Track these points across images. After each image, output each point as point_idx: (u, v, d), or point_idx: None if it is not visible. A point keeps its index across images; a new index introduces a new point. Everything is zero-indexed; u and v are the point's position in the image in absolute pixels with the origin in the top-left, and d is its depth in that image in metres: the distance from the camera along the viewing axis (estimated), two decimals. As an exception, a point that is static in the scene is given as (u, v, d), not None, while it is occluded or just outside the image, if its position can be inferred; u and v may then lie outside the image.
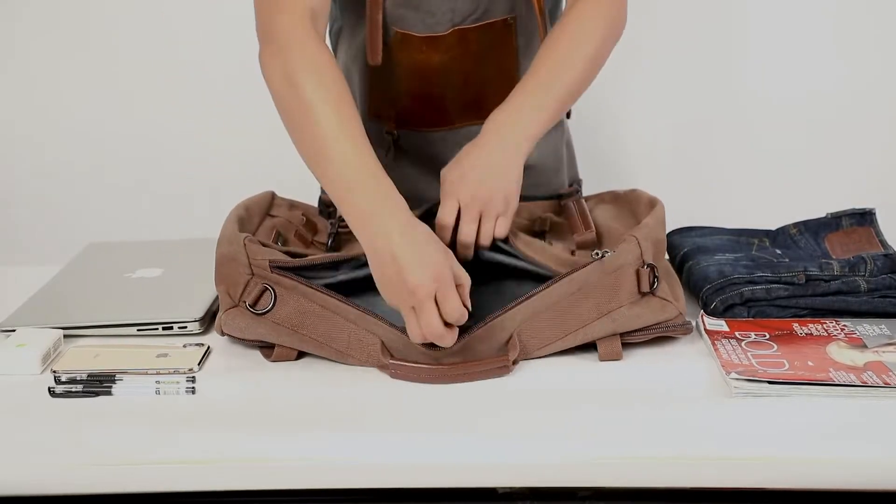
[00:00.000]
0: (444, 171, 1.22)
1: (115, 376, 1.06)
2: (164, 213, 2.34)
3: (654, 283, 1.13)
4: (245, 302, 1.13)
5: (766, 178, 2.26)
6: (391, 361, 1.08)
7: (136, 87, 2.31)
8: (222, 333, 1.16)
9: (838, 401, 1.01)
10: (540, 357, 1.12)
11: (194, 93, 2.31)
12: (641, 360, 1.12)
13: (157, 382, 1.06)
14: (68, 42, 2.29)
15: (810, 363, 1.07)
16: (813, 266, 1.22)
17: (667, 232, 1.41)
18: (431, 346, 1.07)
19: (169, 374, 1.07)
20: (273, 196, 1.36)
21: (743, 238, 1.38)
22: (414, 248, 1.05)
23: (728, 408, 1.01)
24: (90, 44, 2.29)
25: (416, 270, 1.03)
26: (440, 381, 1.08)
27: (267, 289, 1.12)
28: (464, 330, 1.08)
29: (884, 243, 1.31)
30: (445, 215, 1.20)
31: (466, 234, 1.19)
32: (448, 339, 1.05)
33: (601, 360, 1.12)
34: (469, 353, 1.08)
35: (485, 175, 1.20)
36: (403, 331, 1.08)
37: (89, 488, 0.94)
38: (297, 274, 1.13)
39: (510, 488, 0.95)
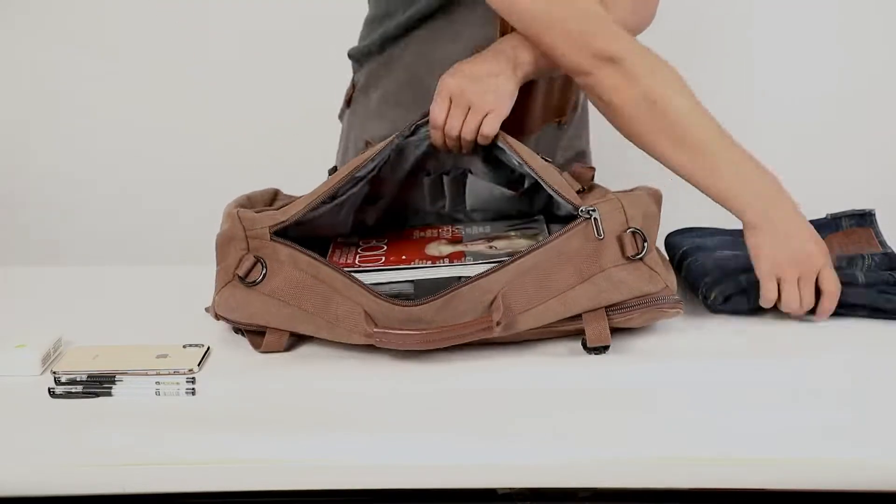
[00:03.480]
0: (441, 77, 1.26)
1: (114, 377, 1.06)
2: (165, 213, 2.34)
3: (642, 248, 1.13)
4: (237, 275, 1.15)
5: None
6: (376, 330, 1.09)
7: (138, 88, 2.31)
8: (217, 317, 1.17)
9: (838, 402, 1.01)
10: (528, 329, 1.11)
11: (197, 95, 2.31)
12: (640, 361, 1.12)
13: (157, 383, 1.06)
14: (71, 42, 2.29)
15: (404, 256, 1.19)
16: (812, 260, 1.21)
17: (667, 233, 1.41)
18: (411, 316, 1.09)
19: (169, 374, 1.07)
20: (277, 192, 1.36)
21: (743, 238, 1.38)
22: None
23: (728, 408, 1.01)
24: (93, 44, 2.29)
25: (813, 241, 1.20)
26: (426, 346, 1.09)
27: (258, 261, 1.15)
28: (448, 290, 1.10)
29: (883, 244, 1.30)
30: (436, 114, 1.24)
31: (451, 126, 1.23)
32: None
33: (589, 345, 1.11)
34: (453, 315, 1.10)
35: (476, 72, 1.24)
36: (384, 299, 1.10)
37: (89, 488, 0.94)
38: (297, 227, 1.16)
39: (510, 489, 0.95)
